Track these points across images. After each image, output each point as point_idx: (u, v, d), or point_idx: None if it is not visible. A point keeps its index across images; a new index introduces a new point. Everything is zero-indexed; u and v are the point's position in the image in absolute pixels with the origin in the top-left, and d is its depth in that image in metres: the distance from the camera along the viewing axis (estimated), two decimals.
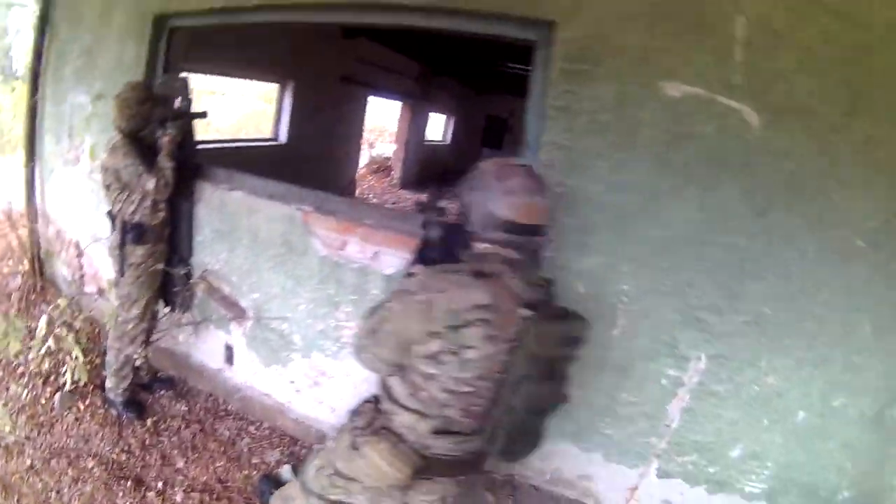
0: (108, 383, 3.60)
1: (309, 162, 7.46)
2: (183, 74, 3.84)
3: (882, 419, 2.43)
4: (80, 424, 3.49)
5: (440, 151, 15.16)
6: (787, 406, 2.50)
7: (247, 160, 6.39)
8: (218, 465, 3.34)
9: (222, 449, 3.48)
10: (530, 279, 1.72)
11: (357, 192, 10.39)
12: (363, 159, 12.75)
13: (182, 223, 3.70)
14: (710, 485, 2.69)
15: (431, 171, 13.83)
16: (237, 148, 7.07)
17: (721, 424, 2.60)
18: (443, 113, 15.38)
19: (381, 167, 13.80)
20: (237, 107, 16.02)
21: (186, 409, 3.80)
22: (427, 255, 1.87)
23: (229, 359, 3.85)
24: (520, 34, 2.65)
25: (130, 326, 3.49)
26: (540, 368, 1.65)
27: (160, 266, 3.51)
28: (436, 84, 11.88)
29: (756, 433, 2.56)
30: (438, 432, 1.78)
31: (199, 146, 6.58)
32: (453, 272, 1.69)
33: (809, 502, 2.59)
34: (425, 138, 14.15)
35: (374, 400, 1.96)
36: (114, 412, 3.60)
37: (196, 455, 3.40)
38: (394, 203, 11.19)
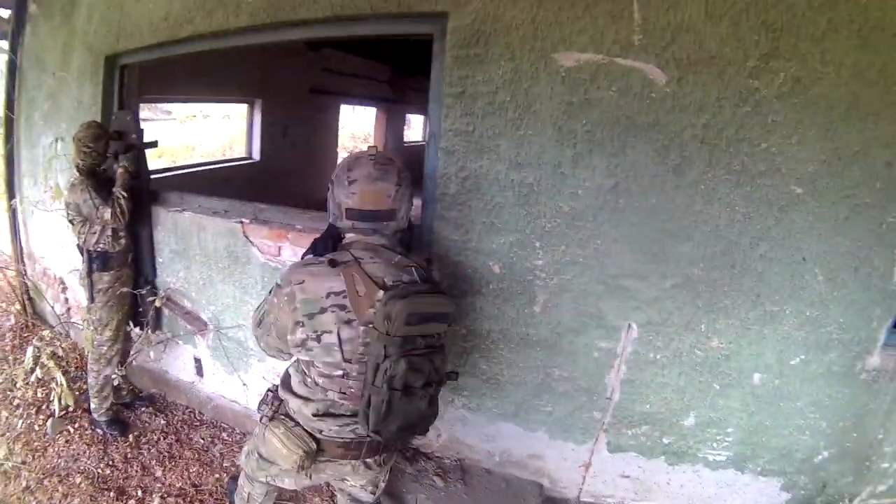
0: (92, 405, 3.74)
1: (284, 176, 7.46)
2: (137, 108, 4.02)
3: (853, 372, 2.36)
4: (70, 446, 3.64)
5: (421, 153, 14.90)
6: (739, 369, 2.42)
7: (225, 180, 6.43)
8: (192, 470, 3.49)
9: (196, 456, 3.63)
10: (399, 262, 1.77)
11: None
12: None
13: (143, 247, 3.82)
14: (669, 456, 2.64)
15: (413, 174, 13.57)
16: (213, 170, 7.04)
17: (667, 393, 2.53)
18: (421, 114, 14.98)
19: None
20: (222, 128, 16.17)
21: (165, 422, 3.94)
22: (316, 249, 1.89)
23: (199, 371, 3.94)
24: (418, 29, 2.61)
25: (105, 349, 3.64)
26: (403, 348, 1.66)
27: (126, 289, 3.64)
28: (411, 85, 11.69)
29: (709, 399, 2.50)
30: (319, 415, 1.86)
31: (175, 171, 6.70)
32: (313, 264, 1.76)
33: (785, 465, 2.53)
34: (404, 140, 13.99)
35: (275, 389, 2.05)
36: (99, 431, 3.75)
37: (172, 463, 3.55)
38: None
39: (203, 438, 3.79)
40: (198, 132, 16.67)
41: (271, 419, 1.98)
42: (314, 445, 1.89)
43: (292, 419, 1.94)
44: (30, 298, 5.26)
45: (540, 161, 2.40)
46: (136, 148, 3.63)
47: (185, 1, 3.30)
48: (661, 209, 2.30)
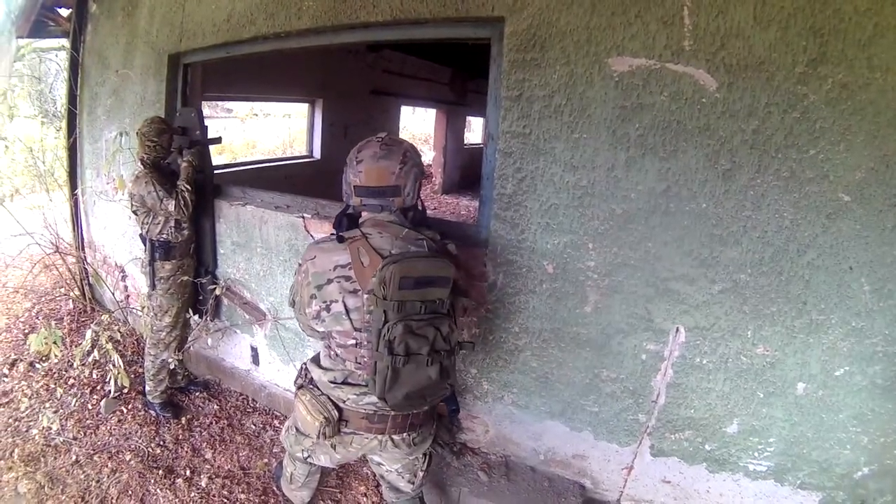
0: (147, 387, 3.98)
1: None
2: (200, 106, 4.25)
3: (890, 386, 2.31)
4: (122, 425, 3.89)
5: (481, 155, 14.94)
6: (783, 377, 2.40)
7: (286, 177, 6.67)
8: (242, 454, 3.67)
9: (247, 440, 3.82)
10: (406, 235, 1.98)
11: None
12: None
13: (206, 239, 4.05)
14: (710, 463, 2.64)
15: (473, 175, 13.77)
16: (275, 167, 7.31)
17: (711, 399, 2.54)
18: (481, 116, 15.05)
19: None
20: (282, 126, 16.62)
21: (218, 407, 4.16)
22: (338, 228, 2.06)
23: (255, 359, 4.13)
24: (476, 34, 2.71)
25: (164, 334, 3.87)
26: (402, 312, 1.81)
27: (187, 278, 3.86)
28: (471, 87, 11.88)
29: (752, 407, 2.49)
30: (337, 382, 2.06)
31: (237, 167, 6.97)
32: (324, 241, 2.00)
33: (825, 479, 2.48)
34: (465, 143, 14.17)
35: (305, 364, 2.28)
36: (153, 413, 3.99)
37: (223, 447, 3.74)
38: (434, 208, 11.35)
39: (255, 424, 3.98)
40: (258, 130, 17.24)
41: (300, 388, 2.20)
42: (336, 413, 2.07)
43: (318, 388, 2.14)
44: (89, 285, 5.62)
45: (594, 164, 2.47)
46: (201, 144, 3.84)
47: (248, 3, 3.49)
48: (711, 214, 2.32)
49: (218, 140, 4.15)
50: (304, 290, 2.04)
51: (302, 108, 7.93)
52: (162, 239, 3.68)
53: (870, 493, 2.48)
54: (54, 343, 3.70)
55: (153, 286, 3.79)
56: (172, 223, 3.66)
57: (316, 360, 2.21)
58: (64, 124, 5.50)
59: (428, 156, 14.80)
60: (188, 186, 3.57)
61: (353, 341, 2.00)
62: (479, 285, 2.88)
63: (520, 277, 2.77)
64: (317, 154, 7.70)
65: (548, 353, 2.82)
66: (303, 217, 3.45)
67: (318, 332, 2.10)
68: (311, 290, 1.99)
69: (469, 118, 14.62)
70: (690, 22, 2.20)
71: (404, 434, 2.14)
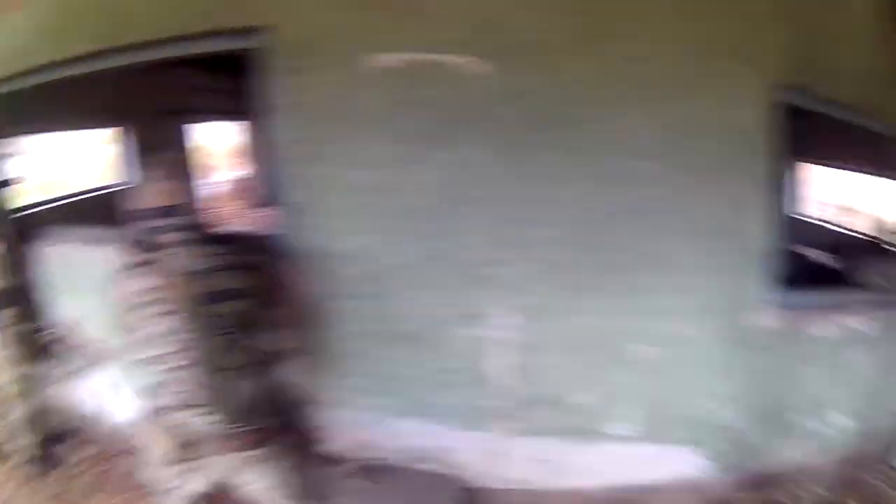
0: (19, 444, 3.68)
1: None
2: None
3: (742, 335, 2.44)
4: (2, 488, 3.56)
5: None
6: (618, 343, 2.47)
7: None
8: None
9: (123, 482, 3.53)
10: (202, 251, 1.93)
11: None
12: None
13: (29, 285, 3.72)
14: (580, 435, 2.66)
15: None
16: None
17: (557, 375, 2.57)
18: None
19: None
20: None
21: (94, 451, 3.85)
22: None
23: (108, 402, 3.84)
24: (237, 45, 2.58)
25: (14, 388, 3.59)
26: (203, 329, 1.81)
27: (19, 327, 3.57)
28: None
29: (601, 377, 2.55)
30: (171, 409, 1.93)
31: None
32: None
33: (696, 433, 2.59)
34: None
35: None
36: (27, 469, 3.66)
37: (102, 494, 3.44)
38: None
39: (128, 465, 3.62)
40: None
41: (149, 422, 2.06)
42: (183, 439, 1.96)
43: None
44: None
45: (378, 162, 2.43)
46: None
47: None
48: (508, 197, 2.35)
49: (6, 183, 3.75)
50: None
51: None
52: None
53: (743, 436, 2.59)
54: None
55: None
56: None
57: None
58: None
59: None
60: None
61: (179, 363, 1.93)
62: (297, 295, 2.75)
63: (331, 283, 2.66)
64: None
65: (379, 353, 2.74)
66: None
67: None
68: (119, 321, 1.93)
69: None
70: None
71: (253, 449, 2.06)
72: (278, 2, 2.42)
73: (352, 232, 2.55)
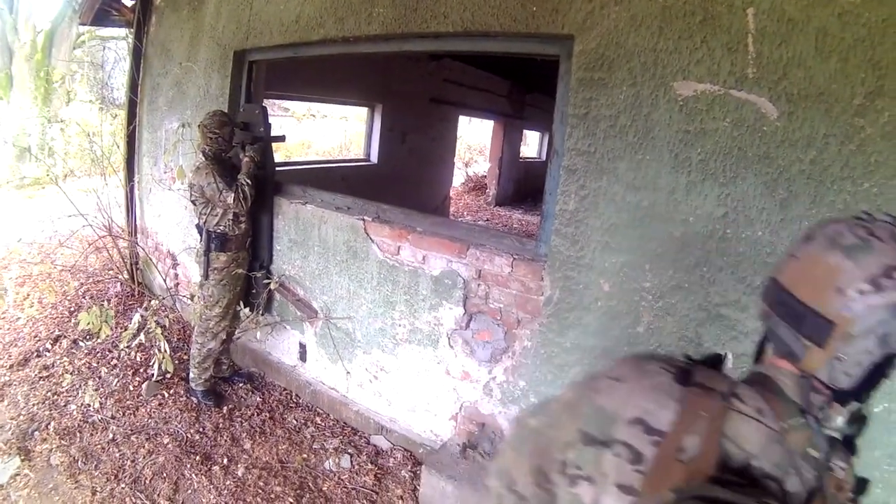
0: (191, 374, 4.17)
1: (400, 181, 7.94)
2: (263, 103, 4.47)
3: None
4: (162, 409, 4.05)
5: (535, 168, 15.34)
6: None
7: (342, 178, 6.95)
8: (281, 448, 3.78)
9: (287, 435, 3.94)
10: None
11: (452, 210, 10.81)
12: (458, 178, 13.33)
13: (262, 234, 4.29)
14: None
15: (527, 188, 14.19)
16: (330, 168, 7.67)
17: None
18: (537, 130, 15.69)
19: (476, 185, 14.34)
20: (339, 128, 17.19)
21: (261, 399, 4.33)
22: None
23: (302, 356, 4.37)
24: (544, 50, 2.92)
25: (213, 323, 4.09)
26: None
27: (241, 271, 4.07)
28: (529, 101, 12.16)
29: None
30: None
31: (293, 165, 7.30)
32: (647, 363, 1.20)
33: None
34: (520, 156, 14.50)
35: None
36: (194, 399, 4.19)
37: (263, 439, 3.86)
38: (487, 220, 11.65)
39: (296, 420, 4.13)
40: (314, 130, 17.86)
41: None
42: None
43: None
44: (138, 269, 5.89)
45: (655, 185, 2.61)
46: (263, 141, 4.07)
47: (317, 5, 3.74)
48: (766, 241, 2.41)
49: (282, 138, 4.41)
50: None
51: (360, 112, 8.22)
52: (219, 230, 3.88)
53: None
54: (105, 322, 3.86)
55: (206, 276, 3.99)
56: (230, 216, 3.86)
57: None
58: (123, 112, 5.83)
59: (482, 167, 15.21)
60: (248, 181, 3.77)
61: None
62: (535, 299, 3.04)
63: (576, 294, 2.90)
64: (374, 158, 7.98)
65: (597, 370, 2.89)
66: (363, 219, 3.68)
67: None
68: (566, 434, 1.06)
69: (525, 132, 14.93)
70: (754, 50, 2.34)
71: None
72: (591, 14, 2.67)
73: (613, 249, 2.76)
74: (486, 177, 13.96)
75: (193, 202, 3.92)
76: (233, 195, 3.71)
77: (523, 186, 13.97)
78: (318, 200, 4.08)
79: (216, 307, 4.04)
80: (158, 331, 4.03)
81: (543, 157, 15.89)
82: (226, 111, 4.14)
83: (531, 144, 18.34)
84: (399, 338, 3.72)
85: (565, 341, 2.98)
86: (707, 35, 2.42)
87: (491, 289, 3.21)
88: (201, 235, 4.00)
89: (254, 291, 4.34)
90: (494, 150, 12.85)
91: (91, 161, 6.97)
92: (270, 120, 4.20)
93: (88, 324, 3.83)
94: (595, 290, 2.84)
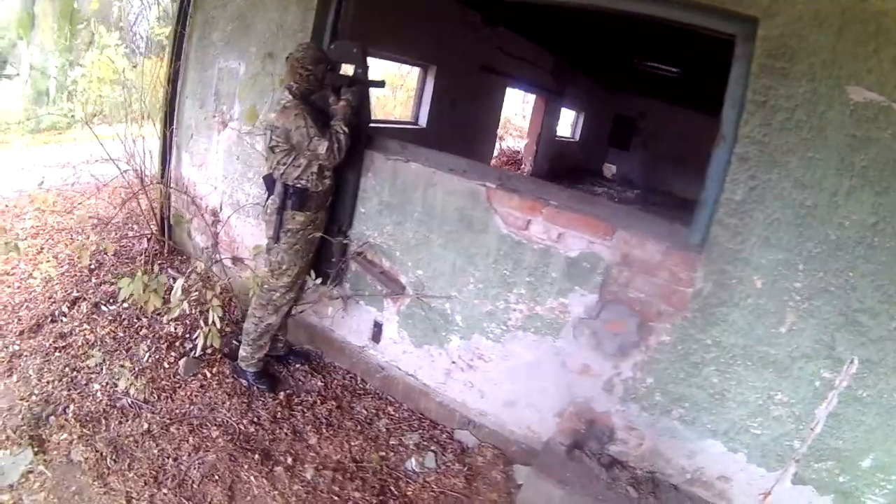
0: (242, 352, 3.97)
1: (446, 147, 7.99)
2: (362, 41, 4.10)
3: None
4: (205, 392, 3.78)
5: (570, 148, 15.91)
6: None
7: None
8: (353, 444, 3.58)
9: (359, 428, 3.74)
10: None
11: None
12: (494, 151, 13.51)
13: (346, 193, 4.06)
14: (838, 495, 2.93)
15: (561, 167, 14.60)
16: (377, 128, 7.74)
17: (859, 432, 2.83)
18: (573, 109, 16.24)
19: (510, 160, 14.65)
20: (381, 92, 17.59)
21: (322, 384, 4.16)
22: None
23: (376, 336, 4.21)
24: (722, 27, 3.02)
25: (278, 295, 3.85)
26: None
27: (318, 235, 3.85)
28: (569, 79, 12.60)
29: (889, 444, 2.79)
30: None
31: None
32: None
33: None
34: (556, 133, 14.94)
35: None
36: (244, 382, 3.96)
37: (331, 432, 3.65)
38: None
39: (366, 409, 3.96)
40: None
41: None
42: None
43: None
44: (170, 225, 5.51)
45: (821, 186, 2.77)
46: (362, 83, 3.83)
47: None
48: None
49: (381, 83, 4.20)
50: None
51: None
52: (299, 185, 3.58)
53: None
54: (154, 292, 3.46)
55: (276, 238, 3.68)
56: (315, 168, 3.57)
57: None
58: (168, 49, 5.44)
59: (516, 143, 15.73)
60: (345, 129, 3.46)
61: None
62: (682, 291, 3.13)
63: (727, 288, 3.00)
64: (423, 122, 8.16)
65: (732, 369, 3.06)
66: (485, 185, 3.59)
67: None
68: None
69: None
70: None
71: None
72: (776, 1, 2.81)
73: (773, 246, 2.92)
74: (519, 152, 14.44)
75: (272, 148, 3.58)
76: (326, 144, 3.40)
77: (557, 165, 14.31)
78: (422, 158, 3.87)
79: (284, 276, 3.79)
80: (215, 301, 3.64)
81: (577, 138, 16.44)
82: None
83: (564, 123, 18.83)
84: (511, 324, 3.65)
85: (706, 338, 3.08)
86: (879, 46, 2.59)
87: (634, 276, 3.23)
88: (270, 190, 3.71)
89: (328, 260, 4.07)
90: (534, 125, 13.23)
91: (120, 104, 6.34)
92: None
93: (131, 294, 3.42)
94: (747, 286, 2.97)
